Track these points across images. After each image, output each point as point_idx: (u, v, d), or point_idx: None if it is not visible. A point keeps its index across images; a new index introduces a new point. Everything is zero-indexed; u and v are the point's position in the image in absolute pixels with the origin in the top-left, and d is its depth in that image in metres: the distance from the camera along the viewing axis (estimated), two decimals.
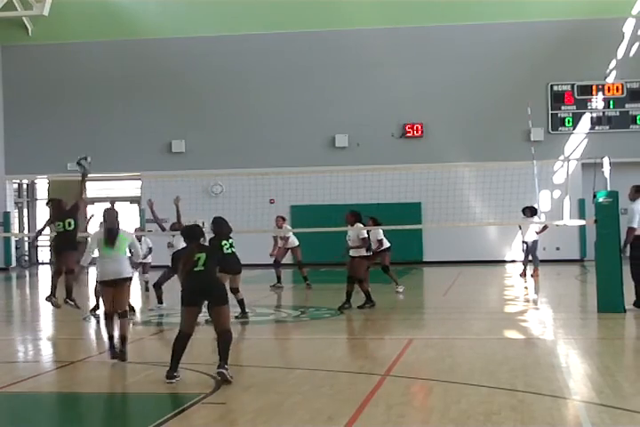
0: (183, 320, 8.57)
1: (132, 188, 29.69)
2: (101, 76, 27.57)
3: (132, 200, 29.72)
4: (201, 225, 14.74)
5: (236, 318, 12.97)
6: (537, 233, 19.76)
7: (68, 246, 12.93)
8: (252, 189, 22.66)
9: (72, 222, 13.10)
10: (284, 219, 19.27)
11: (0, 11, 26.29)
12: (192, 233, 8.74)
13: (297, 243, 19.00)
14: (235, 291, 13.22)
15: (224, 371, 8.19)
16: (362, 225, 14.72)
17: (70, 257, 12.81)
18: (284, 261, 19.21)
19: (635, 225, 13.08)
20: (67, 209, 13.28)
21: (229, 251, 13.21)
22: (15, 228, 29.27)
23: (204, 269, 8.41)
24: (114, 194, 30.64)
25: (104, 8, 27.57)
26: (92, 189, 31.21)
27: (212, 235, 13.19)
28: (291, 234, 19.02)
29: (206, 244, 9.64)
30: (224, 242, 13.20)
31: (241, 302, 13.36)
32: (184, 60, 27.22)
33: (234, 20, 27.15)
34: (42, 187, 31.44)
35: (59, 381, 8.84)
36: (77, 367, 9.05)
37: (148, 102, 27.41)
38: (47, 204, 13.89)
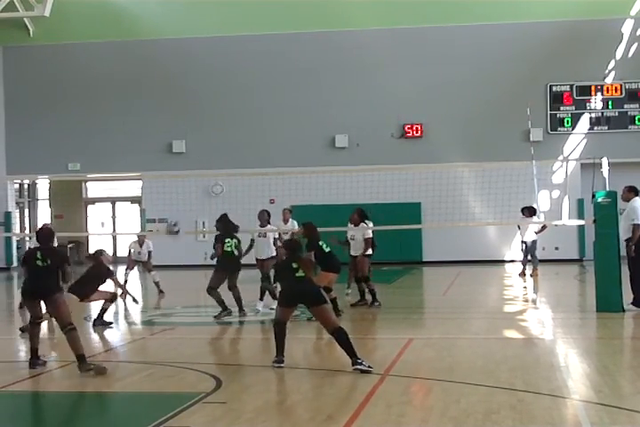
0: (278, 315, 9.22)
1: (133, 188, 29.73)
2: (102, 76, 27.59)
3: (133, 200, 29.78)
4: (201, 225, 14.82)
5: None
6: (536, 233, 19.80)
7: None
8: (252, 189, 22.65)
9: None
10: (291, 211, 18.52)
11: (1, 11, 26.32)
12: (295, 246, 9.60)
13: None
14: (231, 288, 13.42)
15: (359, 367, 8.52)
16: (366, 225, 14.85)
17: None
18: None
19: None
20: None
21: (229, 250, 13.38)
22: (16, 228, 29.31)
23: (303, 275, 9.05)
24: (115, 194, 30.74)
25: (105, 9, 27.59)
26: (93, 189, 31.31)
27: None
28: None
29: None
30: (227, 240, 13.32)
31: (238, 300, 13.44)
32: (184, 61, 27.23)
33: (234, 20, 27.16)
34: (43, 187, 31.48)
35: (59, 380, 8.88)
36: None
37: (149, 103, 27.44)
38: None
